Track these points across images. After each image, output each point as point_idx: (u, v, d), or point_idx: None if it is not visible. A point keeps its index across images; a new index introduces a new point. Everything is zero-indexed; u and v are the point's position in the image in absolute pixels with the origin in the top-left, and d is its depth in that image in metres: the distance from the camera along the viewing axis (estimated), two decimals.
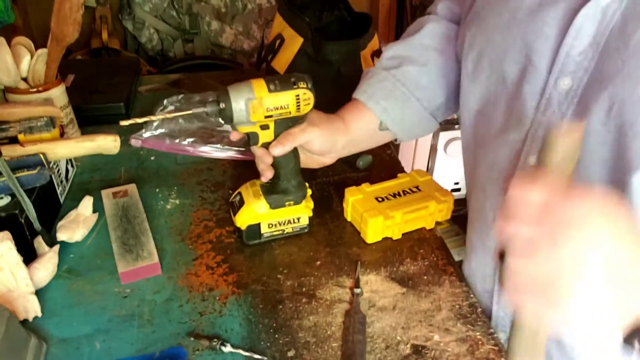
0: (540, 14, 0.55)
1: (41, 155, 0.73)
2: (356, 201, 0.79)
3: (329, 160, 0.78)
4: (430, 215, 0.80)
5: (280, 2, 1.08)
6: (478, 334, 0.64)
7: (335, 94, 1.02)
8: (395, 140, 0.83)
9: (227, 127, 0.95)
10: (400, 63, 0.78)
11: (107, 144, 0.78)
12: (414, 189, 0.83)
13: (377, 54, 1.07)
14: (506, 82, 0.61)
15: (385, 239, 0.79)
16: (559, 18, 0.53)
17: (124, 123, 0.65)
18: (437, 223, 0.82)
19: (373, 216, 0.76)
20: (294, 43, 1.02)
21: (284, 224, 0.77)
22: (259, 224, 0.75)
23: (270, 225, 0.76)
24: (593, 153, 0.51)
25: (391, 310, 0.67)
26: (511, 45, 0.59)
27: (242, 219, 0.75)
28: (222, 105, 0.66)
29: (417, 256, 0.76)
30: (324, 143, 0.73)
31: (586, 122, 0.51)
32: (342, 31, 1.15)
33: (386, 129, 0.78)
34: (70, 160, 0.89)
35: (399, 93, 0.77)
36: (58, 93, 0.92)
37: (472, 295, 0.69)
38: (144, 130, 1.00)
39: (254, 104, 0.66)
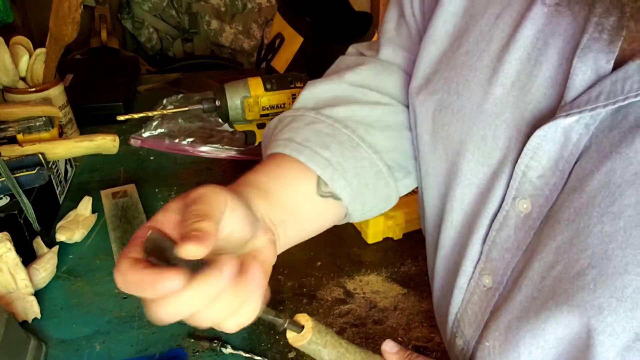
0: (502, 117, 0.43)
1: (40, 155, 0.73)
2: None
3: (266, 248, 0.45)
4: None
5: (281, 1, 1.07)
6: None
7: None
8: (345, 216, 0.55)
9: (227, 126, 0.95)
10: (335, 102, 0.54)
11: (106, 143, 0.78)
12: (415, 189, 0.82)
13: None
14: (461, 180, 0.47)
15: (386, 239, 0.79)
16: (519, 130, 0.42)
17: (120, 118, 0.67)
18: None
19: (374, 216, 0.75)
20: (294, 42, 1.02)
21: None
22: None
23: None
24: None
25: (392, 310, 0.67)
26: (470, 137, 0.46)
27: None
28: (217, 102, 0.66)
29: (419, 256, 0.76)
30: (236, 218, 0.40)
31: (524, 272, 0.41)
32: (342, 31, 1.15)
33: (329, 195, 0.50)
34: (69, 160, 0.89)
35: (344, 137, 0.51)
36: (57, 92, 0.91)
37: None
38: (143, 130, 1.00)
39: (250, 102, 0.67)
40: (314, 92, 0.56)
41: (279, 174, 0.49)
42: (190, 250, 0.33)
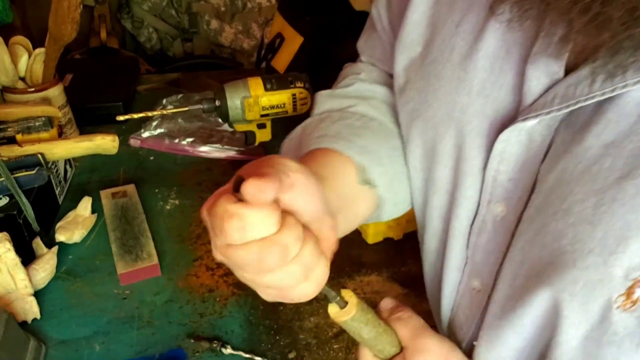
0: (470, 125, 0.44)
1: (39, 156, 0.73)
2: None
3: (330, 235, 0.41)
4: None
5: (281, 1, 1.07)
6: None
7: None
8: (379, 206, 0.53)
9: (227, 126, 0.95)
10: (355, 102, 0.55)
11: (105, 143, 0.78)
12: None
13: None
14: (436, 183, 0.48)
15: (387, 239, 0.78)
16: (488, 136, 0.43)
17: (120, 118, 0.67)
18: None
19: None
20: (294, 42, 1.02)
21: None
22: None
23: None
24: None
25: None
26: (443, 135, 0.46)
27: None
28: (217, 102, 0.66)
29: (419, 257, 0.76)
30: (312, 195, 0.38)
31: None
32: (342, 31, 1.14)
33: (367, 183, 0.50)
34: (69, 160, 0.89)
35: (375, 127, 0.53)
36: (56, 92, 0.91)
37: None
38: (143, 130, 1.00)
39: (250, 102, 0.66)
40: (329, 98, 0.57)
41: (326, 163, 0.48)
42: (250, 187, 0.31)
